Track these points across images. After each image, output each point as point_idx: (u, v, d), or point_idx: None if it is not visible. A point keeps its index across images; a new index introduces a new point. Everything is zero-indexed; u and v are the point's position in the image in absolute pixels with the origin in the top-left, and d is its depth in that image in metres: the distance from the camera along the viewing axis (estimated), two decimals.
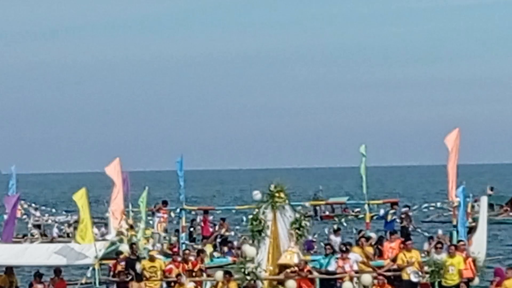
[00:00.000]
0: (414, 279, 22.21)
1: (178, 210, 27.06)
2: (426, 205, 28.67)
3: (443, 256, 22.34)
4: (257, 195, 23.00)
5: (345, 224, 23.37)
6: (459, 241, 23.03)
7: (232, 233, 28.95)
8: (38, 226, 48.90)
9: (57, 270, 23.89)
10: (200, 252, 24.08)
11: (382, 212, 28.66)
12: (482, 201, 24.02)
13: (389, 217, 27.74)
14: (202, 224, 30.04)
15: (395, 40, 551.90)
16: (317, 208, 55.07)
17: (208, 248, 26.61)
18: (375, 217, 27.74)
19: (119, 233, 24.16)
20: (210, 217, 31.13)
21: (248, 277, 22.26)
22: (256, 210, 22.93)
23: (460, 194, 23.20)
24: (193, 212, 29.15)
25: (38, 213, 50.05)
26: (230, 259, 26.51)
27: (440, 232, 24.32)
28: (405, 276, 22.26)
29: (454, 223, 23.52)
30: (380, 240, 24.05)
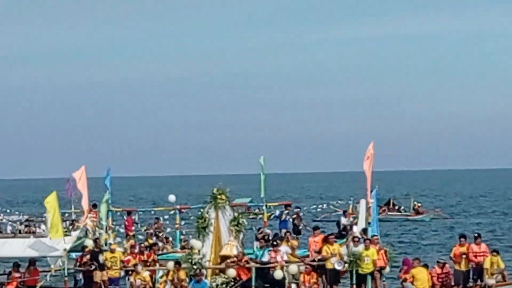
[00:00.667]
0: (337, 267, 25.56)
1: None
2: (314, 206, 32.84)
3: (359, 248, 25.59)
4: (171, 198, 28.13)
5: (246, 222, 27.12)
6: (373, 235, 26.37)
7: (168, 229, 33.28)
8: None
9: (32, 261, 27.41)
10: (153, 245, 27.81)
11: (277, 212, 32.77)
12: (362, 203, 27.77)
13: (283, 217, 31.95)
14: (126, 223, 34.23)
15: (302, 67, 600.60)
16: None
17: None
18: (271, 217, 31.85)
19: (84, 229, 27.79)
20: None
21: (195, 267, 25.67)
22: (202, 210, 26.73)
23: (373, 197, 26.87)
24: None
25: None
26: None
27: (355, 228, 27.98)
28: (329, 265, 25.57)
29: (369, 220, 27.27)
30: (275, 236, 27.93)
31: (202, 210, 26.41)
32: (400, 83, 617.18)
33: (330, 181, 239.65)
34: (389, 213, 72.72)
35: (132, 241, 28.83)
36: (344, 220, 35.59)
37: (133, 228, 34.28)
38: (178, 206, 29.28)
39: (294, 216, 32.36)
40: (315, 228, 27.96)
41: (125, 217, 33.98)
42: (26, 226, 55.10)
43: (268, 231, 28.24)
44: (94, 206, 31.79)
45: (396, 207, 76.17)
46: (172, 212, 30.41)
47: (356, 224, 27.66)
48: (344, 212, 39.77)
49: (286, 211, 32.10)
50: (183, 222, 31.46)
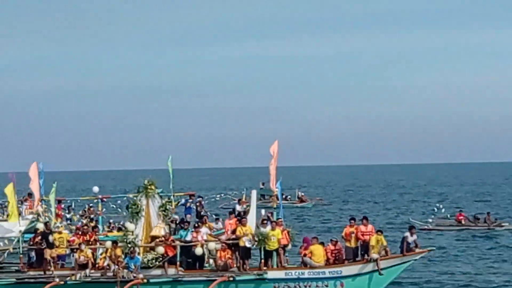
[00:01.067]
0: (248, 244, 29.51)
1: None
2: (213, 196, 38.13)
3: (267, 229, 29.51)
4: (95, 189, 34.31)
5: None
6: (277, 218, 30.50)
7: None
8: None
9: None
10: (94, 227, 32.40)
11: (183, 201, 38.09)
12: (253, 193, 32.23)
13: (188, 204, 37.99)
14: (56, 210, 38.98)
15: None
16: None
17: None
18: (178, 204, 37.00)
19: (36, 214, 32.31)
20: None
21: (129, 245, 29.63)
22: (135, 197, 31.22)
23: (278, 186, 31.41)
24: None
25: None
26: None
27: (263, 212, 32.59)
28: (241, 243, 29.38)
29: (274, 206, 31.85)
30: (182, 220, 32.72)
31: (135, 197, 30.92)
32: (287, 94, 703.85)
33: (223, 175, 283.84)
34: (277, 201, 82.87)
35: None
36: (238, 207, 40.36)
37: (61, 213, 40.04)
38: (100, 196, 34.22)
39: (197, 203, 38.65)
40: (231, 213, 32.64)
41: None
42: None
43: (175, 216, 33.15)
44: (30, 195, 36.86)
45: (284, 196, 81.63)
46: (95, 200, 35.25)
47: (249, 210, 32.20)
48: (239, 200, 44.59)
49: (190, 200, 38.21)
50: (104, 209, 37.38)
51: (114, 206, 62.88)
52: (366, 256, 29.67)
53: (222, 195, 69.83)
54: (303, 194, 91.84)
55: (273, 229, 29.67)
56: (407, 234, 30.49)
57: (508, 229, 54.30)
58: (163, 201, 30.84)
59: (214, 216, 33.14)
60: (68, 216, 39.92)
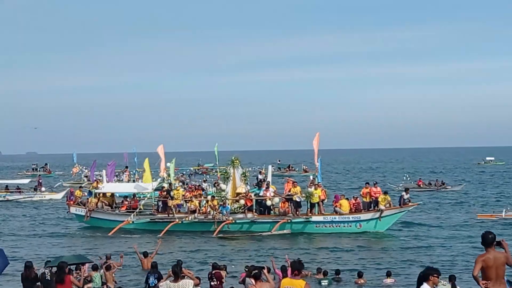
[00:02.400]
0: (298, 199, 43.34)
1: None
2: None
3: (312, 189, 42.97)
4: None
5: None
6: (318, 182, 43.98)
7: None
8: None
9: (134, 195, 46.04)
10: (198, 186, 47.95)
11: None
12: (269, 168, 46.57)
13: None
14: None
15: None
16: None
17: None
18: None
19: (163, 178, 47.56)
20: None
21: (222, 198, 43.92)
22: (226, 168, 45.91)
23: (319, 162, 45.83)
24: None
25: None
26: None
27: (311, 177, 46.85)
28: (295, 198, 43.11)
29: (316, 174, 46.28)
30: (258, 183, 47.61)
31: (227, 168, 45.73)
32: None
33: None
34: (289, 172, 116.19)
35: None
36: (260, 176, 54.92)
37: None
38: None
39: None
40: (288, 177, 47.50)
41: None
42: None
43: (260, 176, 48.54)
44: (126, 167, 52.07)
45: (293, 168, 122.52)
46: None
47: (265, 179, 46.24)
48: (260, 171, 60.49)
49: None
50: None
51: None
52: (376, 208, 43.32)
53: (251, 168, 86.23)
54: (306, 166, 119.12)
55: (315, 189, 43.21)
56: (403, 193, 45.26)
57: (451, 190, 78.36)
58: (243, 170, 45.72)
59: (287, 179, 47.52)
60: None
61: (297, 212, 43.42)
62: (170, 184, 45.31)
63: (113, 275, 26.16)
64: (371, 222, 43.26)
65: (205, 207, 44.22)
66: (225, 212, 43.18)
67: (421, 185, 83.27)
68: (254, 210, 43.56)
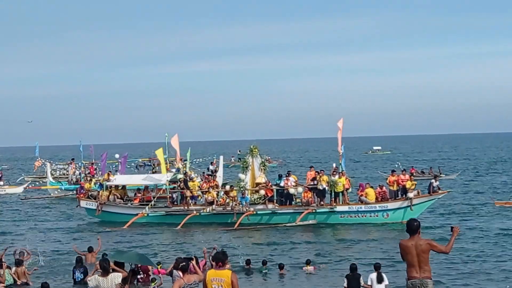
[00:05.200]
0: (321, 188, 41.40)
1: None
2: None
3: (336, 177, 41.43)
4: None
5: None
6: (342, 170, 42.23)
7: None
8: None
9: (146, 187, 44.71)
10: (214, 176, 45.96)
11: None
12: (220, 158, 45.40)
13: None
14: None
15: None
16: None
17: None
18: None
19: (177, 168, 45.50)
20: None
21: (241, 189, 41.84)
22: (245, 157, 44.00)
23: (342, 149, 43.81)
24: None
25: None
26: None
27: (334, 165, 44.93)
28: (319, 187, 41.41)
29: (340, 162, 44.31)
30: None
31: (245, 157, 43.76)
32: None
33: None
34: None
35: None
36: (211, 167, 56.35)
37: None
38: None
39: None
40: (311, 167, 45.44)
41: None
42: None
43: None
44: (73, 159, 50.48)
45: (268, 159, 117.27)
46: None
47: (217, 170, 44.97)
48: (211, 162, 61.56)
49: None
50: None
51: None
52: (404, 196, 41.38)
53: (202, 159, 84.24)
54: (269, 157, 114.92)
55: (339, 177, 41.47)
56: (433, 180, 43.10)
57: (445, 178, 74.41)
58: (263, 159, 43.62)
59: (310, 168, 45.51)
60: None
61: (322, 202, 41.54)
62: (185, 173, 43.15)
63: (26, 269, 25.45)
64: (399, 212, 41.36)
65: (223, 198, 42.49)
66: (244, 203, 41.51)
67: (414, 173, 78.98)
68: (275, 201, 41.61)
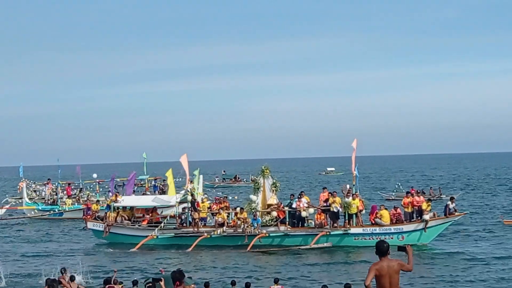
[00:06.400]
0: (335, 210, 40.39)
1: None
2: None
3: (349, 199, 40.36)
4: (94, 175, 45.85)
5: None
6: (355, 192, 41.32)
7: None
8: None
9: (155, 208, 43.72)
10: (225, 198, 44.78)
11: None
12: (200, 177, 43.95)
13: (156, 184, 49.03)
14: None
15: None
16: None
17: None
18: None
19: (186, 190, 44.31)
20: None
21: (253, 210, 40.88)
22: (256, 178, 42.85)
23: (356, 170, 42.78)
24: None
25: None
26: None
27: (348, 186, 43.81)
28: (332, 208, 40.32)
29: (354, 183, 43.18)
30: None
31: (256, 177, 42.67)
32: None
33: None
34: (237, 183, 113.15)
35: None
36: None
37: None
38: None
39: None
40: (324, 188, 44.25)
41: None
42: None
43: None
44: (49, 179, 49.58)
45: (239, 179, 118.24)
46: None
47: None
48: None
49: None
50: None
51: None
52: (419, 218, 40.30)
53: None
54: (255, 177, 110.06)
55: (353, 199, 40.56)
56: (449, 202, 42.01)
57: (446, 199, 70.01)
58: (274, 180, 42.57)
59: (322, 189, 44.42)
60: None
61: (335, 224, 40.56)
62: (192, 195, 41.98)
63: None
64: (415, 234, 40.48)
65: (233, 220, 41.46)
66: (256, 225, 40.57)
67: (414, 194, 79.13)
68: (287, 223, 40.71)
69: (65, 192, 64.69)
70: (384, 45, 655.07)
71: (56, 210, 62.79)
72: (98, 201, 50.95)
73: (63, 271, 26.45)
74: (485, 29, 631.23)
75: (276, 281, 26.49)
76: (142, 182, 73.69)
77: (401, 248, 12.30)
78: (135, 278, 26.15)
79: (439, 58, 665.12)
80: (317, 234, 39.87)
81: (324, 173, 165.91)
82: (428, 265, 34.95)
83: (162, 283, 18.32)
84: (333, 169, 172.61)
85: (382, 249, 12.11)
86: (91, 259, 38.01)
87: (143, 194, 47.01)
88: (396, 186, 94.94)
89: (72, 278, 25.76)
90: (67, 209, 62.24)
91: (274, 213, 41.15)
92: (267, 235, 40.23)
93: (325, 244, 39.73)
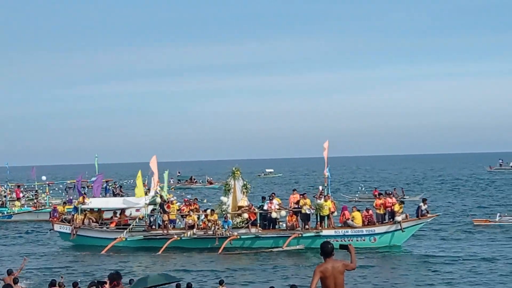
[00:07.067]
0: (308, 212, 39.75)
1: None
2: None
3: (321, 200, 39.85)
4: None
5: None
6: (327, 194, 40.76)
7: None
8: None
9: (123, 210, 42.99)
10: (195, 200, 44.01)
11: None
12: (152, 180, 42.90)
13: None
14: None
15: None
16: None
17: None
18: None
19: (155, 191, 43.58)
20: None
21: (223, 212, 40.33)
22: (227, 180, 42.16)
23: (328, 172, 42.21)
24: None
25: None
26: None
27: (320, 188, 43.29)
28: (303, 210, 39.67)
29: (326, 184, 42.70)
30: (263, 197, 43.91)
31: (227, 180, 41.97)
32: None
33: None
34: (193, 184, 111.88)
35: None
36: None
37: None
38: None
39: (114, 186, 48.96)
40: (294, 190, 43.78)
41: None
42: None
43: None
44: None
45: (195, 180, 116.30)
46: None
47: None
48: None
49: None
50: None
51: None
52: (391, 220, 39.99)
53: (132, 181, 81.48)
54: (211, 178, 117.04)
55: (325, 200, 40.08)
56: (421, 204, 41.73)
57: (409, 200, 69.48)
58: (244, 182, 41.97)
59: (292, 191, 43.84)
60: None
61: (307, 226, 40.08)
62: (161, 197, 41.22)
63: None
64: (387, 236, 40.21)
65: (204, 222, 40.81)
66: (227, 227, 39.98)
67: (377, 195, 78.66)
68: (258, 225, 40.25)
69: (14, 195, 63.26)
70: (384, 45, 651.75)
71: (5, 212, 61.61)
72: (65, 203, 49.89)
73: (9, 272, 26.01)
74: (485, 29, 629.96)
75: (221, 283, 25.95)
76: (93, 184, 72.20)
77: (343, 247, 12.12)
78: (77, 280, 25.43)
79: (439, 58, 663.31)
80: (289, 236, 39.46)
81: (262, 174, 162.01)
82: (401, 267, 34.71)
83: (107, 286, 17.68)
84: (271, 170, 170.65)
85: (326, 250, 11.88)
86: (58, 262, 37.10)
87: (93, 197, 45.95)
88: (360, 187, 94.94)
89: (15, 281, 25.06)
90: (16, 212, 61.12)
91: (245, 215, 40.63)
92: (238, 237, 39.75)
93: (298, 247, 39.27)
